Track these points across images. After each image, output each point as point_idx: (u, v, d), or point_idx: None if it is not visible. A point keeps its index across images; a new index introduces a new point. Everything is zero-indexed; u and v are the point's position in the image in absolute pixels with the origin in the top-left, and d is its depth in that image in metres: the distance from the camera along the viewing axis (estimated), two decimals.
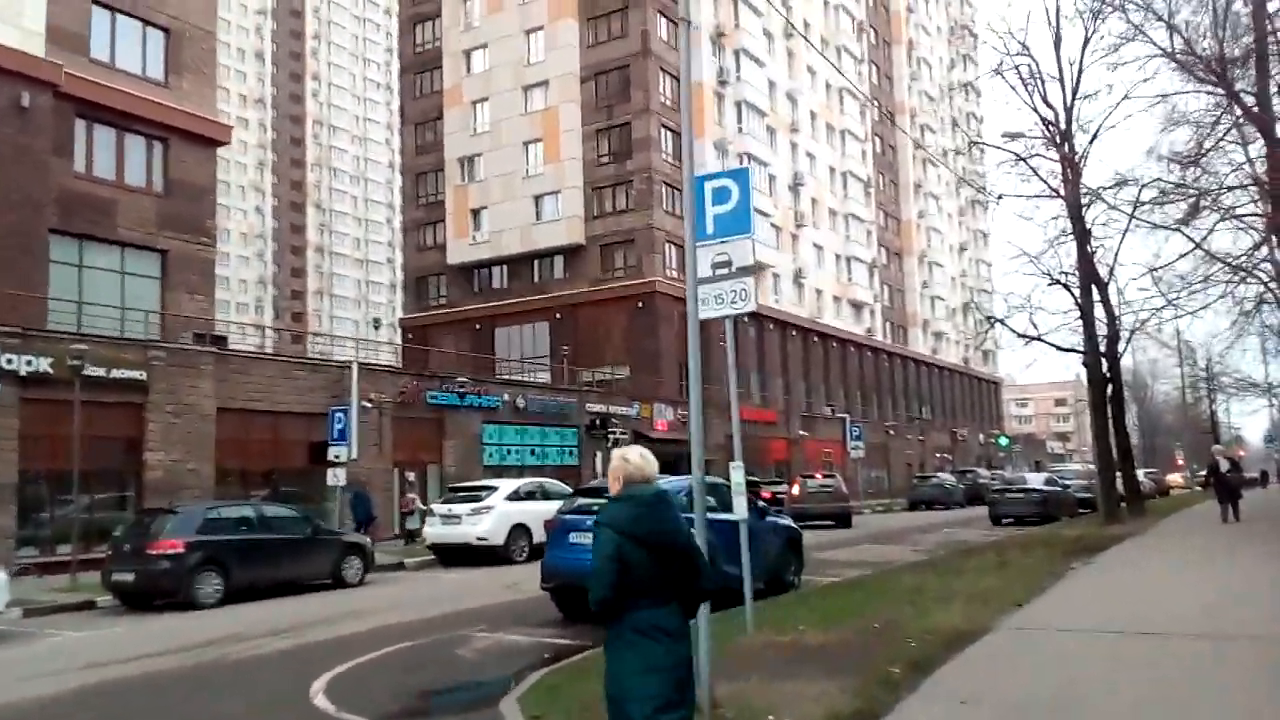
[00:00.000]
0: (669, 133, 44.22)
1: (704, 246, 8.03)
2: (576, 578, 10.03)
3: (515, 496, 16.94)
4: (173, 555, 12.57)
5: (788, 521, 12.55)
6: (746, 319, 47.14)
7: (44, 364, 16.20)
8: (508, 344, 45.29)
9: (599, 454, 29.82)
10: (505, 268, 45.89)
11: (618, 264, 43.48)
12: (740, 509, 8.03)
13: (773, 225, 50.86)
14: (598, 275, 43.47)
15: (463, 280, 46.98)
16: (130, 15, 22.71)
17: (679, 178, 44.29)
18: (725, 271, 7.93)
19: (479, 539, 16.21)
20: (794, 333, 52.50)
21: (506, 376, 39.82)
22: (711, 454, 36.71)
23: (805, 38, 54.66)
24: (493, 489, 17.16)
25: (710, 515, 10.34)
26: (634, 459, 3.57)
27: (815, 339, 54.81)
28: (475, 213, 46.20)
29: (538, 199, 44.63)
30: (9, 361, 16.03)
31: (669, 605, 3.38)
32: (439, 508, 17.29)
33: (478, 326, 45.71)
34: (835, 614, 8.96)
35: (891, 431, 58.29)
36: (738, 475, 8.06)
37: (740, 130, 48.12)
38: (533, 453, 28.51)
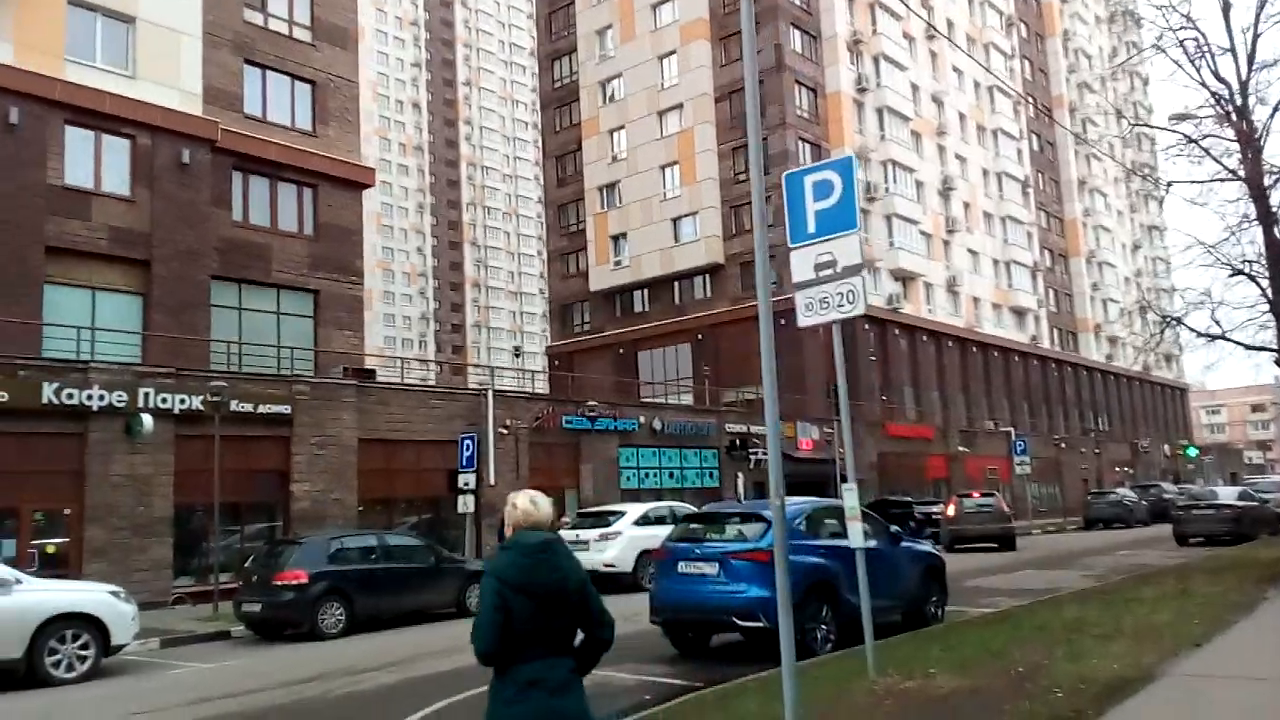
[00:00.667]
0: (807, 145, 43.26)
1: (804, 248, 7.42)
2: (686, 610, 9.53)
3: (644, 521, 16.57)
4: (297, 586, 12.81)
5: (927, 547, 11.55)
6: (896, 331, 45.41)
7: (195, 402, 17.17)
8: (650, 367, 45.26)
9: (740, 475, 29.10)
10: (646, 291, 45.97)
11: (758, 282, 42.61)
12: (856, 535, 7.32)
13: (921, 232, 48.87)
14: (738, 294, 42.85)
15: (605, 306, 47.36)
16: (279, 72, 24.05)
17: None
18: (830, 273, 7.29)
19: (606, 565, 15.92)
20: (950, 343, 50.09)
21: (650, 399, 39.72)
22: (863, 473, 35.40)
23: (949, 38, 52.51)
24: (620, 514, 16.86)
25: (827, 542, 9.64)
26: (522, 504, 3.48)
27: (974, 349, 52.09)
28: (615, 239, 46.58)
29: (676, 221, 44.54)
30: (164, 401, 17.08)
31: (560, 657, 3.22)
32: (566, 533, 17.15)
33: (620, 351, 45.94)
34: (974, 654, 8.03)
35: (1063, 445, 54.53)
36: (850, 499, 7.36)
37: (883, 137, 46.56)
38: (671, 475, 28.12)
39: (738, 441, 29.41)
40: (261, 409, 18.29)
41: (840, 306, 7.37)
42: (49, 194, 19.28)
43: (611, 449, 25.96)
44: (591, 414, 24.38)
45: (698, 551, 9.41)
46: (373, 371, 23.77)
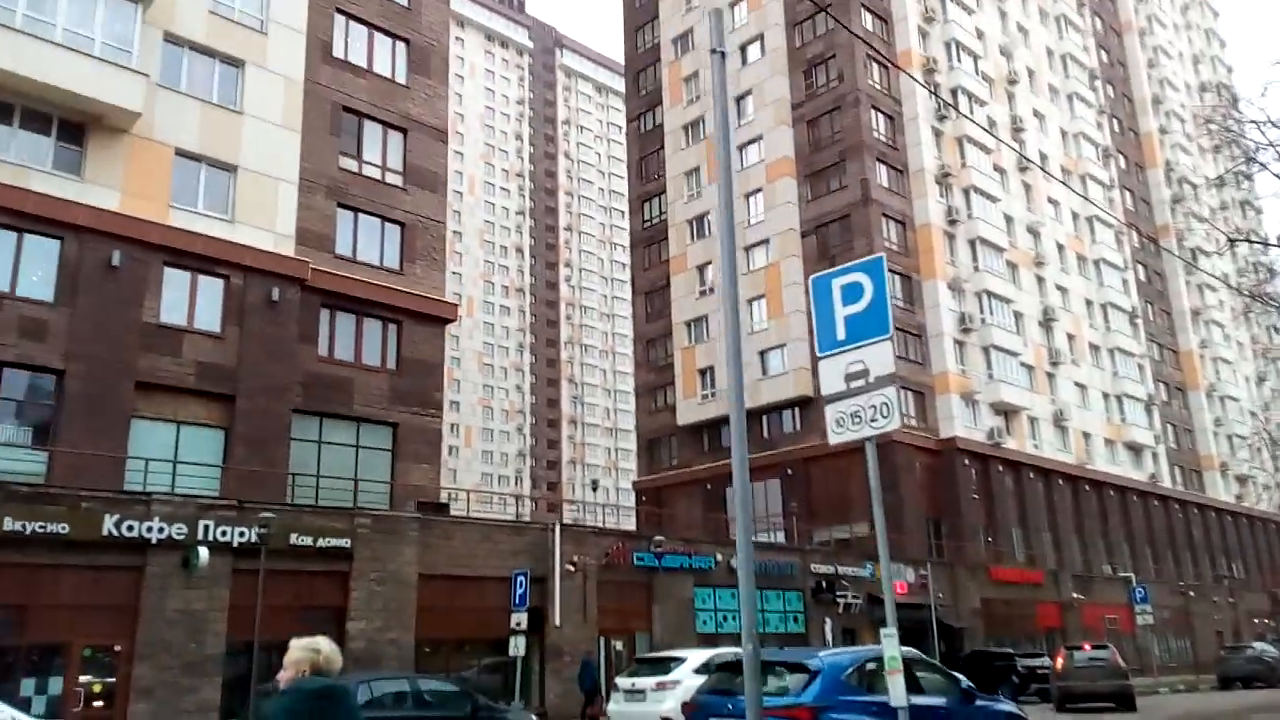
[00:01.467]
0: (895, 277, 42.73)
1: (834, 356, 6.87)
2: None
3: (707, 669, 15.41)
4: None
5: (1008, 707, 10.16)
6: (1000, 467, 43.21)
7: (254, 535, 17.14)
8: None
9: (828, 620, 27.40)
10: None
11: None
12: (898, 694, 6.39)
13: (1023, 365, 47.12)
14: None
15: (693, 441, 46.72)
16: (370, 214, 25.15)
17: (907, 321, 42.39)
18: (861, 384, 6.68)
19: (664, 718, 14.76)
20: (1060, 481, 47.35)
21: (730, 538, 38.40)
22: (966, 620, 32.96)
23: (1043, 170, 52.00)
24: (681, 660, 15.74)
25: (884, 699, 8.54)
26: (300, 651, 3.42)
27: (1086, 487, 49.08)
28: (703, 373, 46.36)
29: (763, 354, 44.13)
30: (224, 534, 17.10)
31: None
32: (623, 681, 16.09)
33: (709, 486, 44.91)
34: None
35: (1192, 594, 50.09)
36: (890, 647, 6.48)
37: (976, 268, 45.70)
38: None
39: (824, 583, 27.81)
40: (321, 542, 18.16)
41: (874, 421, 6.72)
42: (143, 331, 20.20)
43: (686, 589, 24.81)
44: (658, 550, 23.30)
45: (730, 706, 8.43)
46: (446, 505, 23.60)
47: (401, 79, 26.70)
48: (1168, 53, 71.99)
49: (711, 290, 46.75)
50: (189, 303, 21.17)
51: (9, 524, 15.45)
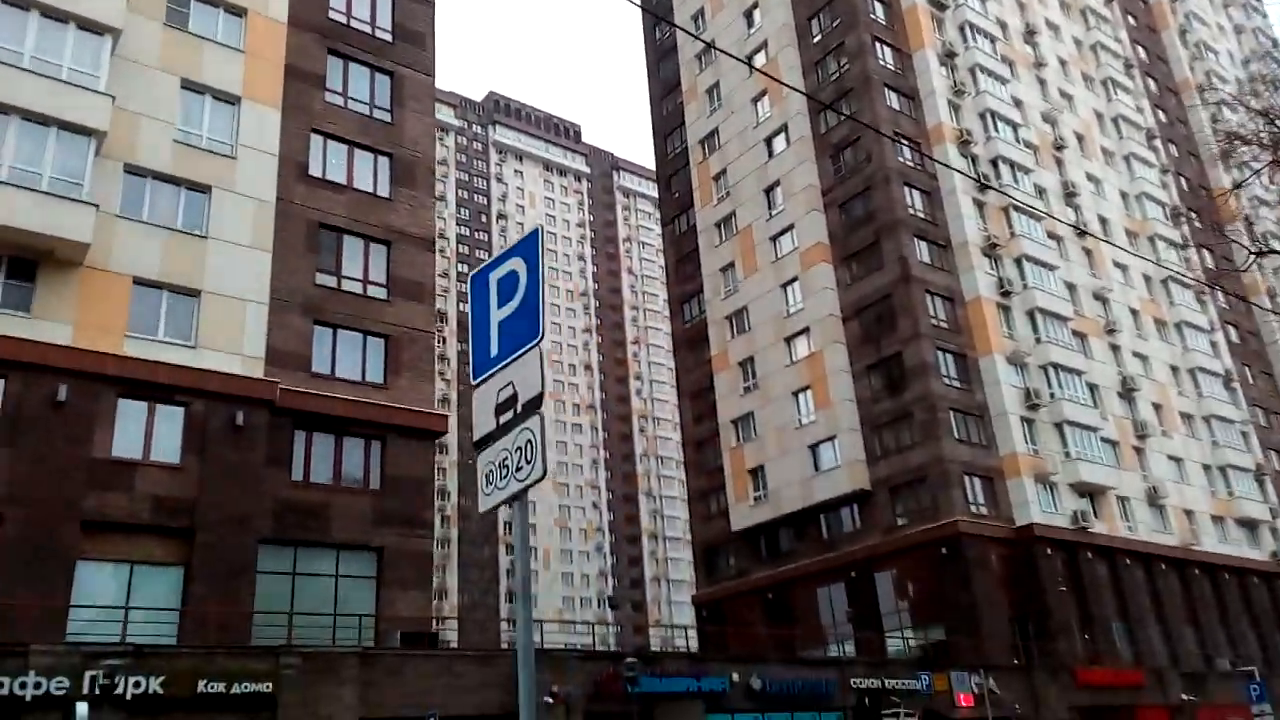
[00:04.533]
0: (947, 355, 39.93)
1: (488, 382, 4.91)
2: None
3: None
4: None
5: None
6: (1089, 554, 38.98)
7: (155, 684, 15.34)
8: (807, 610, 40.58)
9: None
10: (791, 528, 42.16)
11: (911, 507, 38.23)
12: None
13: (1104, 440, 43.14)
14: (890, 523, 38.39)
15: (749, 547, 43.72)
16: (351, 329, 24.14)
17: (965, 402, 39.31)
18: (510, 416, 4.69)
19: None
20: (1163, 566, 42.52)
21: (812, 654, 34.99)
22: None
23: (1103, 238, 49.04)
24: None
25: None
26: None
27: (1195, 571, 43.98)
28: (753, 473, 43.73)
29: (814, 448, 41.39)
30: (114, 685, 15.31)
31: None
32: None
33: (770, 596, 41.67)
34: None
35: None
36: None
37: (1038, 340, 42.48)
38: None
39: (867, 700, 24.33)
40: (237, 688, 16.23)
41: (518, 471, 4.67)
42: (92, 467, 19.17)
43: (695, 717, 21.80)
44: (631, 674, 20.02)
45: None
46: (435, 635, 21.55)
47: (384, 192, 26.13)
48: (1231, 106, 68.57)
49: (756, 386, 44.56)
50: (144, 435, 20.16)
51: None
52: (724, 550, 45.18)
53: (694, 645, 45.40)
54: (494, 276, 5.14)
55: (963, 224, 42.76)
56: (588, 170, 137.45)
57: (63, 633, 17.38)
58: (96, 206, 20.09)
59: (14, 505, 18.08)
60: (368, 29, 27.49)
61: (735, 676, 22.49)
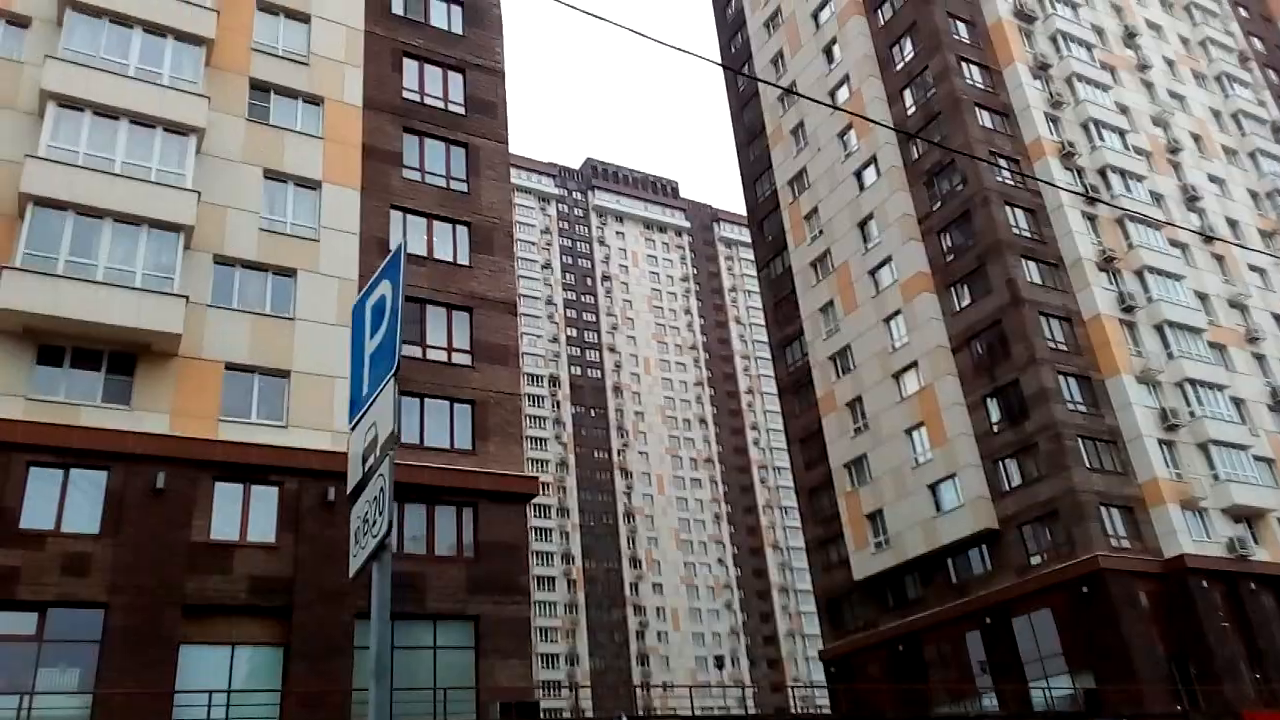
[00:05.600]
0: (1069, 379, 37.53)
1: (358, 426, 4.40)
2: None
3: None
4: None
5: None
6: (1253, 585, 35.50)
7: None
8: (940, 662, 38.21)
9: None
10: (916, 574, 39.98)
11: (1045, 544, 35.69)
12: None
13: (1257, 459, 39.61)
14: (1023, 563, 35.90)
15: (874, 597, 41.64)
16: (437, 397, 24.20)
17: (1094, 427, 36.71)
18: (372, 461, 4.16)
19: None
20: None
21: (945, 711, 32.85)
22: None
23: (1233, 241, 45.70)
24: None
25: None
26: None
27: None
28: (871, 518, 41.84)
29: (933, 488, 39.34)
30: None
31: None
32: None
33: (900, 648, 39.45)
34: None
35: None
36: None
37: (1170, 356, 39.53)
38: None
39: None
40: None
41: (373, 526, 4.11)
42: (191, 551, 19.54)
43: None
44: None
45: None
46: (536, 705, 20.93)
47: (464, 260, 26.38)
48: None
49: (866, 426, 42.89)
50: (241, 516, 20.50)
51: None
52: (847, 601, 43.21)
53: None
54: (369, 304, 4.64)
55: (1074, 240, 40.50)
56: (687, 224, 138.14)
57: (169, 718, 17.56)
58: (186, 298, 20.83)
59: (118, 594, 18.54)
60: (440, 104, 28.10)
61: None
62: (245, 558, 20.07)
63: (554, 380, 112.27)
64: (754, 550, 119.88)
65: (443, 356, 24.86)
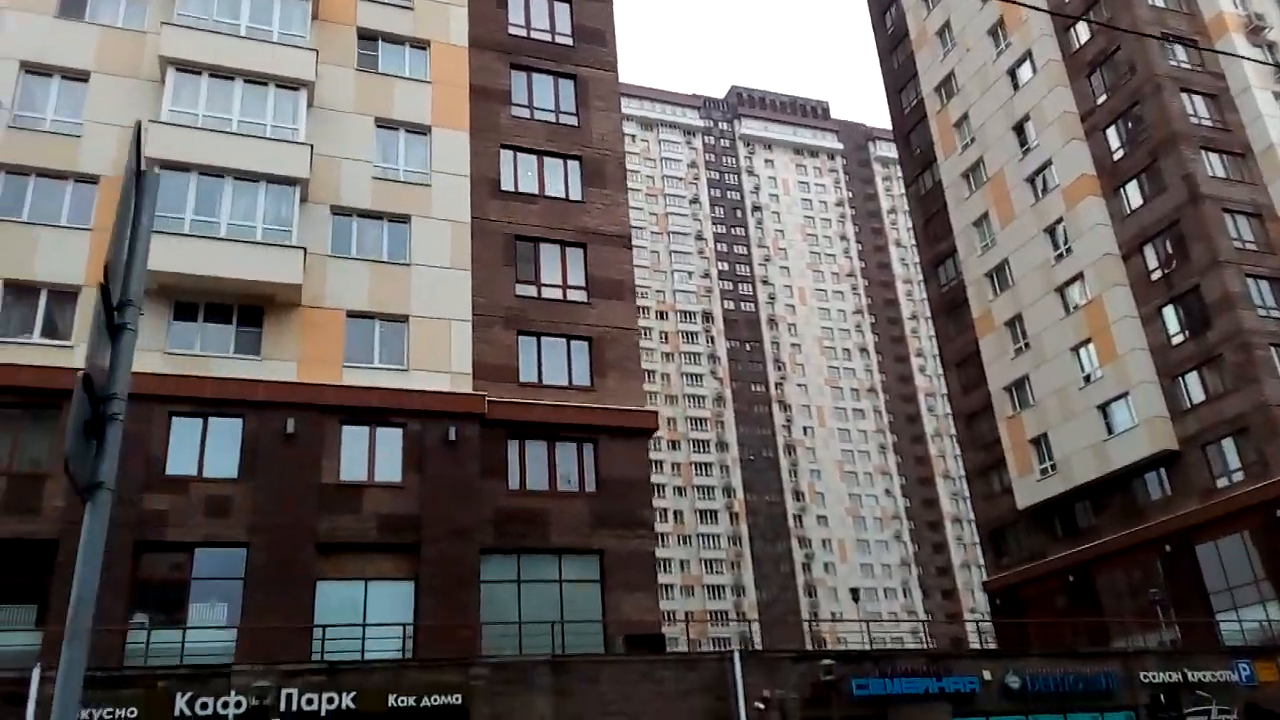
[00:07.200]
0: (1259, 281, 33.50)
1: None
2: None
3: None
4: None
5: None
6: None
7: (347, 700, 15.57)
8: (1114, 593, 35.66)
9: None
10: (1086, 501, 37.23)
11: (1232, 465, 32.32)
12: None
13: None
14: (1207, 484, 32.69)
15: (1041, 526, 39.17)
16: (554, 335, 24.09)
17: None
18: None
19: None
20: None
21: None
22: None
23: None
24: None
25: None
26: None
27: None
28: (1035, 442, 39.15)
29: (1103, 409, 36.26)
30: (309, 702, 15.67)
31: None
32: None
33: (1071, 578, 37.03)
34: None
35: None
36: None
37: None
38: None
39: (1163, 697, 20.10)
40: (427, 701, 16.14)
41: None
42: (322, 493, 20.32)
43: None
44: (828, 677, 16.66)
45: None
46: (660, 637, 20.75)
47: (576, 195, 25.95)
48: None
49: (1028, 346, 39.99)
50: (368, 457, 21.13)
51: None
52: (1012, 531, 40.90)
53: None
54: None
55: (1264, 125, 35.82)
56: (840, 147, 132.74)
57: (308, 650, 18.46)
58: (305, 250, 21.41)
59: (258, 534, 19.55)
60: (547, 36, 27.53)
61: (987, 675, 19.58)
62: (374, 497, 20.72)
63: (707, 316, 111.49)
64: (923, 480, 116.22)
65: (558, 294, 24.64)
